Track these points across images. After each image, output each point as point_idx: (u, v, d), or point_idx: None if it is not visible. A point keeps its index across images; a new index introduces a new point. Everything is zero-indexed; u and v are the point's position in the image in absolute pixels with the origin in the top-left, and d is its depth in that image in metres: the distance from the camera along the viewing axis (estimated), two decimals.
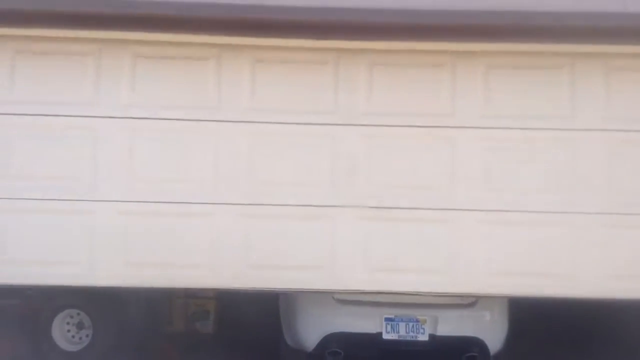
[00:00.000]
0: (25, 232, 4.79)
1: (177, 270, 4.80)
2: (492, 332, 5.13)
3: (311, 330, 5.11)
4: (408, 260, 4.83)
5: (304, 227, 4.85)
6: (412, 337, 5.04)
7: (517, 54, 4.91)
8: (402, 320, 5.06)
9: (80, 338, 5.63)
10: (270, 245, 4.83)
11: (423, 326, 5.04)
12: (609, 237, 4.80)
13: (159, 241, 4.81)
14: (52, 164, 4.81)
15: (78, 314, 5.63)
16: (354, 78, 4.88)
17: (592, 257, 4.80)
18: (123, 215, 4.82)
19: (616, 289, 4.76)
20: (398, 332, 5.03)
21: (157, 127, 4.84)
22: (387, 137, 4.88)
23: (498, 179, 4.85)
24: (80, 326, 5.64)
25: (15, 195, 4.79)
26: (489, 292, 4.84)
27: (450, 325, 5.07)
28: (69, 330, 5.66)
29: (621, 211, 4.80)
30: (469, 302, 5.11)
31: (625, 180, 4.82)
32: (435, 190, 4.87)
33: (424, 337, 5.03)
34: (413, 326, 5.06)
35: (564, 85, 4.91)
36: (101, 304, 5.52)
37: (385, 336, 5.02)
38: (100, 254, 4.79)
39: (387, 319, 5.06)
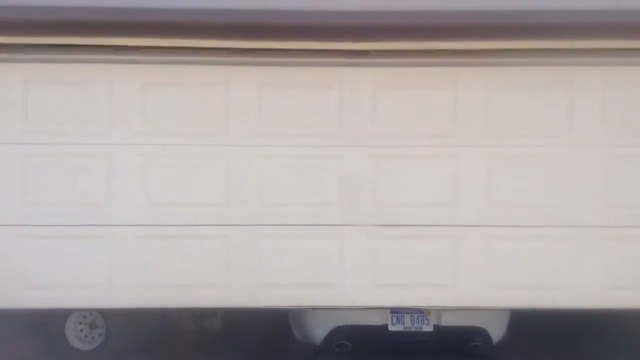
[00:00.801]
0: (45, 257, 4.94)
1: (192, 290, 4.97)
2: (495, 321, 5.29)
3: (318, 324, 5.26)
4: (414, 276, 5.00)
5: (314, 245, 5.01)
6: (417, 328, 5.19)
7: (517, 72, 5.05)
8: (407, 312, 5.21)
9: (93, 337, 5.80)
10: (282, 264, 5.00)
11: (427, 317, 5.20)
12: (607, 249, 4.98)
13: (175, 263, 4.97)
14: (69, 190, 4.95)
15: (91, 313, 5.76)
16: (359, 101, 5.01)
17: (591, 269, 4.98)
18: (139, 238, 4.97)
19: (615, 299, 4.95)
20: (403, 324, 5.20)
21: (169, 153, 4.98)
22: (392, 157, 5.03)
23: (500, 195, 5.01)
24: (93, 326, 5.81)
25: (34, 222, 4.94)
26: (492, 305, 5.02)
27: (454, 316, 5.21)
28: (81, 330, 5.82)
29: (618, 224, 4.98)
30: None
31: (622, 193, 4.99)
32: (440, 207, 5.03)
33: (428, 328, 5.18)
34: (418, 317, 5.21)
35: (562, 101, 5.05)
36: None
37: (391, 328, 5.18)
38: (118, 276, 4.95)
39: (392, 311, 5.20)
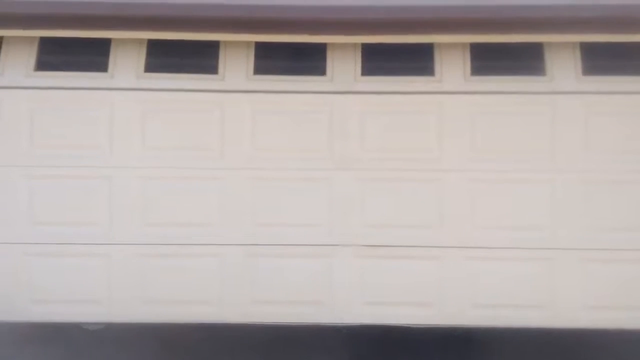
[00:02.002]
0: (50, 274, 5.20)
1: (188, 307, 5.20)
2: None
3: None
4: (401, 295, 5.20)
5: (304, 264, 5.23)
6: None
7: (500, 99, 5.25)
8: None
9: None
10: (274, 282, 5.23)
11: None
12: (587, 271, 5.16)
13: (172, 280, 5.21)
14: (71, 210, 5.21)
15: None
16: (347, 126, 5.24)
17: (572, 290, 5.16)
18: (138, 256, 5.22)
19: (595, 320, 5.12)
20: None
21: (166, 175, 5.23)
22: (379, 180, 5.24)
23: (483, 217, 5.21)
24: None
25: (39, 240, 5.20)
26: (476, 323, 5.20)
27: None
28: None
29: (598, 247, 5.16)
30: None
31: (601, 218, 5.16)
32: (425, 228, 5.23)
33: None
34: None
35: (544, 126, 5.24)
36: None
37: None
38: (118, 292, 5.21)
39: None
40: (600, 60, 5.25)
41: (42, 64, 5.31)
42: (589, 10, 4.90)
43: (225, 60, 5.29)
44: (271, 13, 4.92)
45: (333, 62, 5.29)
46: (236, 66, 5.26)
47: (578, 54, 5.28)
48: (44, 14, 4.97)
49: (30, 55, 5.30)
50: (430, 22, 4.98)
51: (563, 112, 5.23)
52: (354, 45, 5.30)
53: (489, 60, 5.28)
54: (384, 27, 5.03)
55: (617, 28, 5.02)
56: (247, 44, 5.30)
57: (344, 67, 5.27)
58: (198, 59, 5.27)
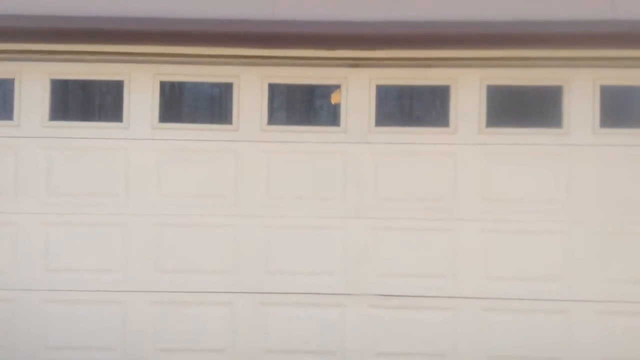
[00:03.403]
0: (65, 321, 5.24)
1: (201, 355, 5.22)
2: None
3: None
4: (415, 346, 5.18)
5: (317, 314, 5.23)
6: None
7: (515, 148, 5.22)
8: None
9: None
10: (286, 331, 5.22)
11: None
12: (603, 324, 5.10)
13: (185, 328, 5.22)
14: (88, 258, 5.25)
15: None
16: (360, 174, 5.24)
17: (589, 343, 5.11)
18: (152, 304, 5.24)
19: None
20: None
21: (181, 223, 5.26)
22: (393, 229, 5.22)
23: (498, 268, 5.17)
24: None
25: (55, 287, 5.24)
26: None
27: None
28: None
29: (614, 299, 5.10)
30: None
31: (618, 269, 5.12)
32: (439, 278, 5.20)
33: None
34: None
35: (560, 177, 5.20)
36: None
37: None
38: (132, 339, 5.23)
39: None
40: (620, 111, 5.20)
41: (56, 114, 5.36)
42: (603, 26, 4.88)
43: (239, 110, 5.29)
44: (287, 27, 4.94)
45: (347, 112, 5.27)
46: (250, 116, 5.27)
47: (597, 103, 5.19)
48: (60, 29, 5.00)
49: (43, 104, 5.32)
50: (446, 37, 4.96)
51: (579, 163, 5.18)
52: (369, 93, 5.28)
53: (505, 111, 5.25)
54: (399, 41, 5.03)
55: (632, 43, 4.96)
56: (261, 92, 5.29)
57: (357, 117, 5.26)
58: (212, 108, 5.29)
